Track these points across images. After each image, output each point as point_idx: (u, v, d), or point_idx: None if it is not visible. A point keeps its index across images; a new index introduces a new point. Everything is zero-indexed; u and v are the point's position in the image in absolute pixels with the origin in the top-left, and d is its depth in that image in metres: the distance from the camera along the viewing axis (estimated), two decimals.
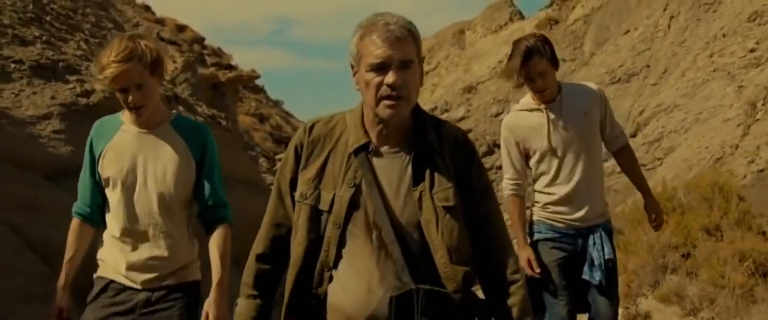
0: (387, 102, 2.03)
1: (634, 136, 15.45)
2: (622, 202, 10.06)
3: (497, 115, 20.20)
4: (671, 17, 18.75)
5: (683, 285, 5.06)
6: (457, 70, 26.99)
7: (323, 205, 2.11)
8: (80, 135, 6.29)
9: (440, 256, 2.06)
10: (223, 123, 9.62)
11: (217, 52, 40.47)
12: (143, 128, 2.97)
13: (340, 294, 2.09)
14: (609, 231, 3.71)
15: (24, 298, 5.09)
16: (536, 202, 3.78)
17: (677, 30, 18.11)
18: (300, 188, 2.16)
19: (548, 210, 3.68)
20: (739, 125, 10.69)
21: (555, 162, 3.61)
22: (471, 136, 14.74)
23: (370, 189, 2.08)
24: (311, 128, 2.21)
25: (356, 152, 2.12)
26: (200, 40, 37.71)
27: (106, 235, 3.04)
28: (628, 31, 19.80)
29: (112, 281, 3.00)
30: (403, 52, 2.01)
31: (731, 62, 13.52)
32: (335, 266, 2.11)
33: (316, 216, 2.12)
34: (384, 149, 2.13)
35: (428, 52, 30.34)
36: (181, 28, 36.14)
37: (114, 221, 2.99)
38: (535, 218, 3.77)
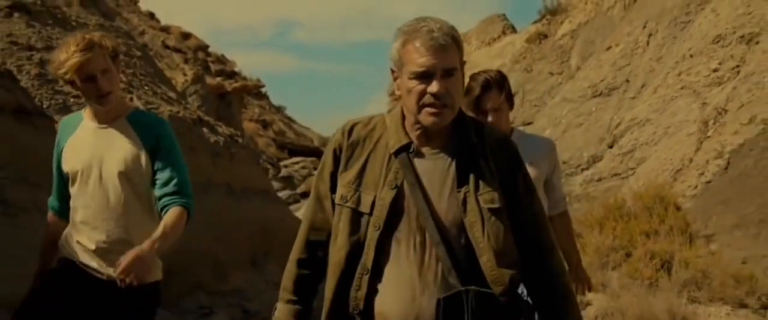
0: (430, 110, 2.01)
1: (610, 147, 16.79)
2: (583, 209, 11.35)
3: None
4: (650, 34, 20.06)
5: (609, 277, 6.42)
6: None
7: (364, 208, 2.07)
8: None
9: (486, 259, 2.01)
10: (240, 141, 10.96)
11: (221, 59, 41.74)
12: (101, 123, 3.06)
13: (383, 300, 2.04)
14: None
15: None
16: None
17: (655, 46, 19.43)
18: (340, 191, 2.12)
19: None
20: (695, 140, 12.04)
21: None
22: None
23: (413, 191, 2.04)
24: (350, 130, 2.18)
25: (397, 153, 2.08)
26: (204, 48, 38.97)
27: (69, 226, 3.15)
28: (610, 47, 21.09)
29: (72, 262, 3.07)
30: (447, 60, 2.00)
31: (697, 81, 14.85)
32: (377, 270, 2.05)
33: (356, 219, 2.08)
34: (425, 150, 2.11)
35: None
36: (186, 36, 37.38)
37: (74, 213, 3.08)
38: None
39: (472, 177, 2.04)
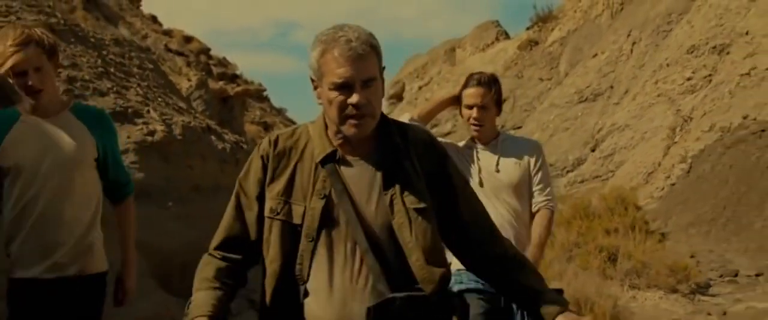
0: (352, 121, 2.01)
1: (593, 150, 17.80)
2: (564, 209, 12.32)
3: None
4: (634, 43, 21.06)
5: (566, 268, 7.39)
6: (448, 85, 29.24)
7: (295, 219, 2.07)
8: (149, 165, 8.73)
9: (416, 259, 2.03)
10: (245, 147, 11.95)
11: (223, 62, 42.43)
12: (43, 116, 3.00)
13: (316, 308, 2.06)
14: None
15: None
16: None
17: (638, 54, 20.42)
18: (269, 203, 2.11)
19: None
20: (664, 146, 13.05)
21: None
22: None
23: (341, 199, 2.05)
24: (276, 141, 2.17)
25: (323, 162, 2.09)
26: (206, 51, 39.63)
27: (7, 227, 3.04)
28: (596, 55, 22.07)
29: (27, 281, 2.97)
30: (366, 70, 2.00)
31: (672, 89, 15.86)
32: (309, 279, 2.07)
33: (289, 230, 2.08)
34: (351, 157, 2.10)
35: (422, 68, 32.64)
36: (188, 39, 38.01)
37: (18, 211, 2.98)
38: (457, 268, 3.45)
39: (397, 179, 2.06)
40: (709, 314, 6.24)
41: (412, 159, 2.11)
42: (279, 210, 2.09)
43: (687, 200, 10.57)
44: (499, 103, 3.56)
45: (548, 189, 3.61)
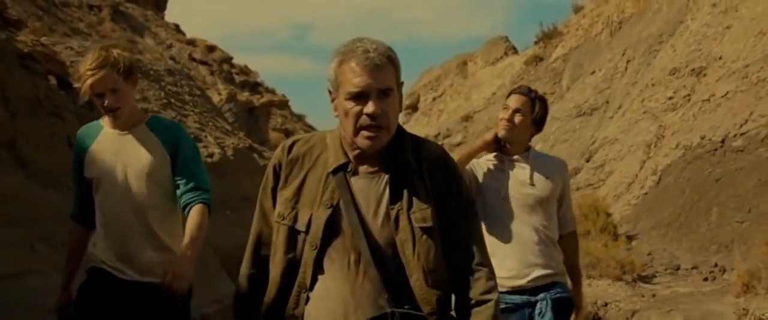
0: (366, 133, 2.01)
1: (587, 161, 19.75)
2: None
3: None
4: (628, 61, 22.95)
5: None
6: (460, 97, 31.30)
7: (300, 225, 2.07)
8: (212, 180, 10.86)
9: (416, 279, 2.02)
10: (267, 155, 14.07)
11: (244, 71, 44.19)
12: (121, 130, 3.13)
13: (316, 316, 2.05)
14: (558, 301, 3.44)
15: None
16: None
17: (631, 72, 22.32)
18: (278, 208, 2.13)
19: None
20: (641, 160, 15.02)
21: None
22: None
23: (348, 210, 2.04)
24: (290, 147, 2.19)
25: (334, 172, 2.08)
26: (228, 60, 41.24)
27: (96, 233, 3.17)
28: (594, 72, 23.98)
29: (102, 270, 3.10)
30: (383, 81, 1.99)
31: (656, 107, 17.79)
32: (312, 288, 2.06)
33: (293, 236, 2.08)
34: (362, 169, 2.10)
35: (436, 80, 34.68)
36: (211, 49, 39.69)
37: (102, 217, 3.11)
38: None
39: (405, 194, 2.05)
40: (643, 296, 8.25)
41: (424, 175, 2.10)
42: (285, 215, 2.10)
43: (653, 208, 12.55)
44: (537, 119, 3.56)
45: (572, 210, 3.68)
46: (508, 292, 3.39)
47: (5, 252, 5.88)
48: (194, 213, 3.11)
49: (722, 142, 12.04)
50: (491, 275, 2.13)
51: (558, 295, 3.44)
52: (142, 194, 3.10)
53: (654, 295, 8.27)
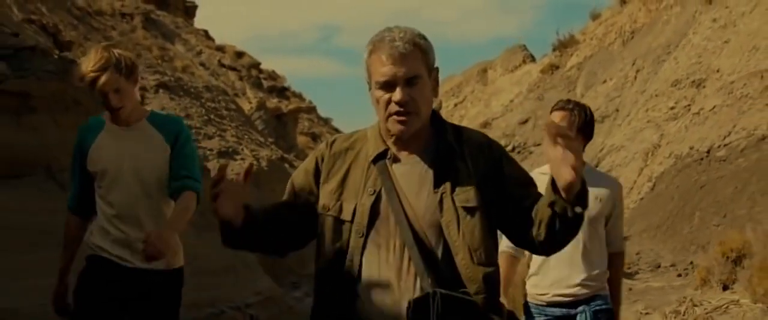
0: (396, 118, 2.06)
1: (596, 166, 20.97)
2: None
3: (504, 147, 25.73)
4: (637, 71, 24.11)
5: None
6: (480, 104, 32.54)
7: (345, 215, 2.12)
8: (250, 189, 12.38)
9: (461, 258, 2.05)
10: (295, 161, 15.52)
11: (272, 76, 45.20)
12: (123, 125, 3.24)
13: (366, 303, 2.09)
14: (598, 313, 3.49)
15: None
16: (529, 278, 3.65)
17: (640, 82, 23.48)
18: (322, 200, 2.17)
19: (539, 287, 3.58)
20: (640, 167, 16.27)
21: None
22: None
23: (390, 196, 2.08)
24: (332, 143, 2.25)
25: (375, 160, 2.14)
26: (256, 65, 42.14)
27: (95, 224, 3.29)
28: (605, 80, 25.17)
29: (102, 258, 3.20)
30: (409, 69, 2.03)
31: (658, 116, 18.99)
32: (360, 275, 2.10)
33: (338, 227, 2.12)
34: (403, 155, 2.14)
35: (457, 87, 35.96)
36: (240, 55, 40.80)
37: (107, 208, 3.23)
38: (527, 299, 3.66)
39: (448, 177, 2.08)
40: None
41: (466, 159, 2.13)
42: (331, 207, 2.15)
43: (646, 212, 13.83)
44: (586, 130, 3.53)
45: (622, 230, 3.66)
46: (547, 305, 3.51)
47: None
48: (182, 197, 3.21)
49: (708, 152, 13.28)
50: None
51: (598, 307, 3.48)
52: (147, 186, 3.22)
53: (630, 289, 9.58)
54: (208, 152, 12.45)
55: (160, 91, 13.66)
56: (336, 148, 2.24)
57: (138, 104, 3.32)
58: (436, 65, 2.16)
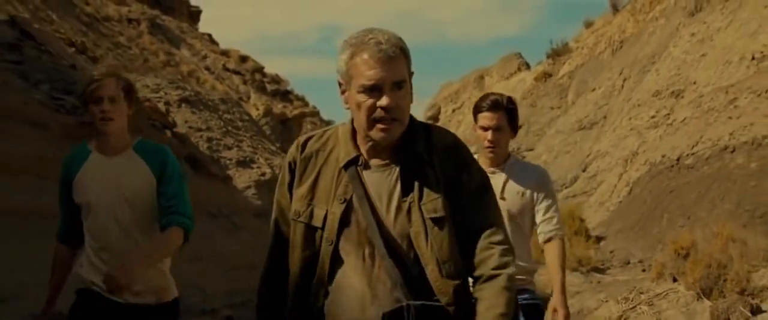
0: (381, 125, 2.01)
1: (583, 171, 22.39)
2: None
3: None
4: (624, 79, 25.52)
5: None
6: None
7: (316, 222, 2.08)
8: (262, 196, 13.89)
9: (431, 270, 2.02)
10: None
11: (276, 79, 46.19)
12: (109, 155, 3.18)
13: (336, 310, 2.07)
14: (525, 307, 3.46)
15: None
16: None
17: (627, 90, 24.88)
18: (294, 206, 2.14)
19: None
20: (620, 173, 17.71)
21: None
22: None
23: (361, 204, 2.05)
24: (304, 144, 2.19)
25: (346, 166, 2.09)
26: (260, 69, 43.02)
27: (84, 256, 3.20)
28: (594, 89, 26.57)
29: (91, 291, 3.11)
30: (396, 73, 1.99)
31: (640, 124, 20.41)
32: (331, 283, 2.08)
33: (310, 233, 2.09)
34: (374, 162, 2.10)
35: (455, 93, 37.44)
36: (244, 59, 41.70)
37: (93, 241, 3.15)
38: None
39: (416, 186, 2.04)
40: (590, 282, 11.02)
41: (434, 165, 2.09)
42: (301, 213, 2.12)
43: (623, 214, 15.27)
44: (513, 125, 3.57)
45: (556, 218, 3.60)
46: None
47: None
48: (168, 231, 3.12)
49: (678, 160, 14.72)
50: (506, 252, 2.06)
51: (524, 301, 3.47)
52: (132, 219, 3.14)
53: (599, 282, 11.04)
54: (228, 162, 13.88)
55: (183, 105, 15.04)
56: (308, 149, 2.19)
57: (125, 132, 3.25)
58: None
